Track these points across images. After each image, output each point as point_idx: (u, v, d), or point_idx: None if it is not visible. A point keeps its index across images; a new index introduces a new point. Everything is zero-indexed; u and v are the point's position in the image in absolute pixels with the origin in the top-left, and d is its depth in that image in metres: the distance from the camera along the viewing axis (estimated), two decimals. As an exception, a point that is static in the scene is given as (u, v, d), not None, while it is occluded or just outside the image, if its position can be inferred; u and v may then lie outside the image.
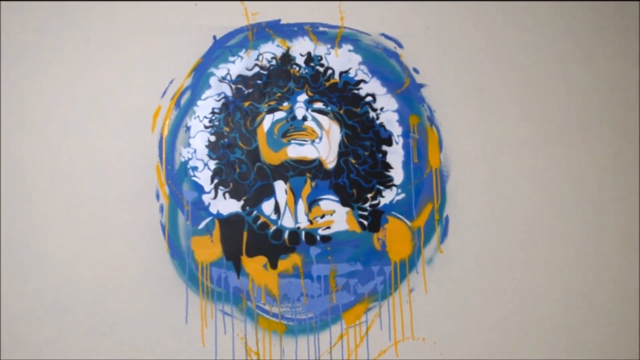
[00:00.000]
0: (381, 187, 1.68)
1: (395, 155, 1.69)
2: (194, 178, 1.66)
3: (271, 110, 1.69)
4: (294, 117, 1.68)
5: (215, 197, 1.65)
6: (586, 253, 1.71)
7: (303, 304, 1.64)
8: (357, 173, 1.68)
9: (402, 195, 1.69)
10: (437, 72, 1.73)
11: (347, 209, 1.67)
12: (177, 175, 1.66)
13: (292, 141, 1.67)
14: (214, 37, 1.71)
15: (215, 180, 1.66)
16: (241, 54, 1.71)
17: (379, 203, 1.68)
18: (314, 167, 1.67)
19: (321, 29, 1.73)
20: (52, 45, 1.68)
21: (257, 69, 1.70)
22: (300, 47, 1.72)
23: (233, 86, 1.69)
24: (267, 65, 1.70)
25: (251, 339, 1.63)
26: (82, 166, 1.64)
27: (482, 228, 1.69)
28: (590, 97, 1.76)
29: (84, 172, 1.64)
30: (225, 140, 1.67)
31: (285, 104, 1.69)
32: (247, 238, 1.65)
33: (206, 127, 1.68)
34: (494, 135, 1.72)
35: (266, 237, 1.65)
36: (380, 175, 1.69)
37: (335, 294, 1.65)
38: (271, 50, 1.71)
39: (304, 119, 1.68)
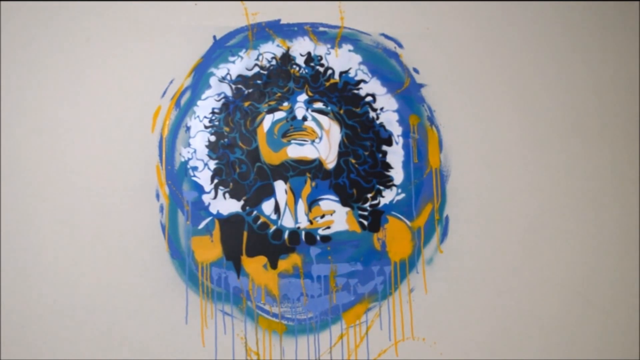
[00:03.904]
0: (381, 187, 1.68)
1: (395, 155, 1.69)
2: (194, 178, 1.66)
3: (271, 110, 1.69)
4: (294, 117, 1.68)
5: (215, 197, 1.65)
6: (586, 253, 1.71)
7: (303, 304, 1.64)
8: (357, 173, 1.68)
9: (402, 195, 1.69)
10: (437, 72, 1.73)
11: (347, 209, 1.67)
12: (177, 175, 1.66)
13: (292, 141, 1.67)
14: (214, 37, 1.71)
15: (215, 180, 1.66)
16: (241, 54, 1.71)
17: (379, 203, 1.68)
18: (314, 167, 1.67)
19: (321, 29, 1.73)
20: (52, 45, 1.68)
21: (257, 69, 1.70)
22: (300, 47, 1.72)
23: (233, 86, 1.69)
24: (267, 65, 1.71)
25: (251, 339, 1.63)
26: (82, 166, 1.64)
27: (482, 228, 1.69)
28: (590, 97, 1.76)
29: (84, 172, 1.64)
30: (225, 140, 1.67)
31: (285, 104, 1.69)
32: (247, 238, 1.65)
33: (206, 127, 1.68)
34: (494, 135, 1.72)
35: (266, 237, 1.65)
36: (380, 175, 1.69)
37: (335, 294, 1.65)
38: (271, 50, 1.71)
39: (304, 119, 1.68)
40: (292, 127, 1.68)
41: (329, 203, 1.67)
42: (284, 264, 1.65)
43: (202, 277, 1.63)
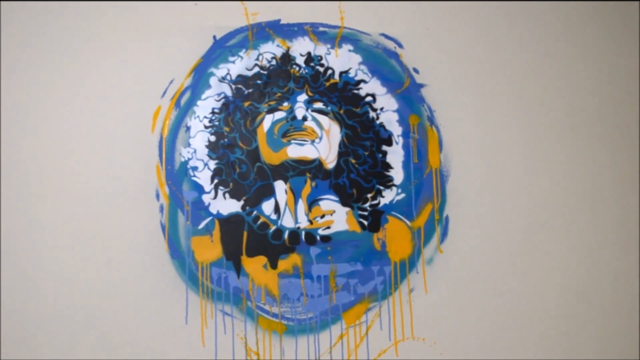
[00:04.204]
0: (381, 187, 1.68)
1: (395, 155, 1.69)
2: (194, 178, 1.66)
3: (271, 110, 1.69)
4: (294, 117, 1.68)
5: (215, 197, 1.65)
6: (586, 253, 1.71)
7: (303, 304, 1.64)
8: (357, 173, 1.68)
9: (402, 195, 1.69)
10: (437, 72, 1.73)
11: (347, 209, 1.67)
12: (177, 175, 1.66)
13: (292, 141, 1.67)
14: (214, 37, 1.71)
15: (215, 180, 1.66)
16: (241, 54, 1.71)
17: (379, 203, 1.68)
18: (314, 167, 1.67)
19: (321, 29, 1.73)
20: (52, 45, 1.68)
21: (257, 69, 1.70)
22: (300, 47, 1.72)
23: (233, 86, 1.69)
24: (267, 65, 1.71)
25: (251, 339, 1.63)
26: (82, 166, 1.64)
27: (482, 228, 1.69)
28: (590, 97, 1.76)
29: (84, 172, 1.64)
30: (225, 140, 1.67)
31: (285, 104, 1.69)
32: (247, 238, 1.65)
33: (206, 127, 1.68)
34: (494, 135, 1.72)
35: (266, 237, 1.65)
36: (380, 175, 1.69)
37: (335, 294, 1.65)
38: (271, 50, 1.71)
39: (304, 119, 1.68)
40: (292, 127, 1.68)
41: (329, 203, 1.67)
42: (284, 264, 1.65)
43: (202, 277, 1.63)
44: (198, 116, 1.68)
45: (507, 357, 1.66)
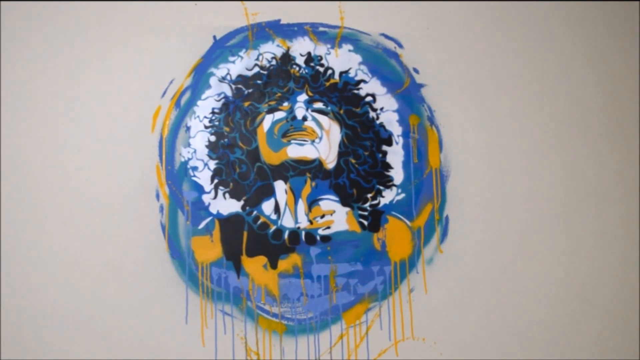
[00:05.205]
0: (381, 187, 1.68)
1: (395, 155, 1.69)
2: (194, 178, 1.66)
3: (271, 110, 1.69)
4: (294, 117, 1.68)
5: (215, 197, 1.65)
6: (586, 253, 1.71)
7: (303, 304, 1.64)
8: (357, 173, 1.68)
9: (402, 195, 1.69)
10: (437, 72, 1.73)
11: (347, 209, 1.67)
12: (177, 175, 1.66)
13: (292, 141, 1.67)
14: (214, 37, 1.71)
15: (215, 180, 1.66)
16: (241, 54, 1.71)
17: (379, 203, 1.68)
18: (314, 167, 1.67)
19: (321, 29, 1.73)
20: (52, 46, 1.68)
21: (257, 69, 1.70)
22: (300, 47, 1.72)
23: (233, 86, 1.69)
24: (267, 65, 1.71)
25: (251, 339, 1.63)
26: (82, 166, 1.64)
27: (482, 228, 1.69)
28: (591, 97, 1.76)
29: (84, 172, 1.64)
30: (225, 140, 1.67)
31: (285, 104, 1.69)
32: (247, 238, 1.65)
33: (206, 127, 1.68)
34: (494, 135, 1.72)
35: (266, 237, 1.65)
36: (380, 175, 1.69)
37: (335, 294, 1.65)
38: (271, 50, 1.71)
39: (304, 119, 1.68)
40: (292, 127, 1.68)
41: (329, 203, 1.67)
42: (284, 264, 1.65)
43: (202, 277, 1.63)
44: (198, 116, 1.68)
45: (507, 357, 1.66)
